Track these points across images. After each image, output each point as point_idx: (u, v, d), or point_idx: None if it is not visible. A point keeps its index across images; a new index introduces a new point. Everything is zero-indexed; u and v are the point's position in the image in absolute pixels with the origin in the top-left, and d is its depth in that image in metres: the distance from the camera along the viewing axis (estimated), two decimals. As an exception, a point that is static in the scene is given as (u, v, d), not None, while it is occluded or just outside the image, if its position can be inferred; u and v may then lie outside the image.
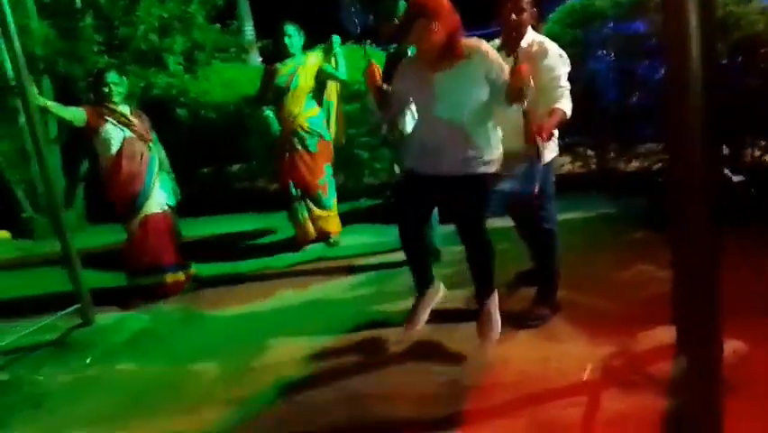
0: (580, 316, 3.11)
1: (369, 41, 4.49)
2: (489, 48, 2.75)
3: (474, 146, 2.74)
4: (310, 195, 4.94)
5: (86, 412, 2.90)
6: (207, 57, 7.47)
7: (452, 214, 2.94)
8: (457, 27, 2.68)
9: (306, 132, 4.83)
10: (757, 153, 4.88)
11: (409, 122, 3.69)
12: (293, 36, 4.86)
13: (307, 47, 5.03)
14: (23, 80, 3.58)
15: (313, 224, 5.00)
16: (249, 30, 10.71)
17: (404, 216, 2.96)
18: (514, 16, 2.94)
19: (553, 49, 2.99)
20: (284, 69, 4.85)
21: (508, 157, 2.88)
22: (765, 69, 4.56)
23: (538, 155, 2.79)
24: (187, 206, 4.80)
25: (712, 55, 1.79)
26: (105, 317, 3.93)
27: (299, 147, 4.85)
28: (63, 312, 3.88)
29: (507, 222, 3.37)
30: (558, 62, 2.96)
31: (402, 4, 4.09)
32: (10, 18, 3.49)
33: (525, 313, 3.16)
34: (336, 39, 4.82)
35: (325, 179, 4.97)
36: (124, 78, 4.38)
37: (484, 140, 2.77)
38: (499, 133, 2.85)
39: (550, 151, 3.06)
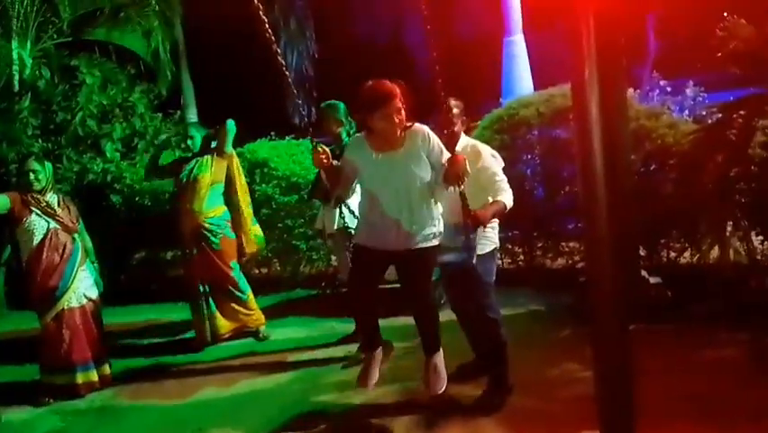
0: (509, 416, 3.13)
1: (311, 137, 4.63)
2: (429, 130, 2.97)
3: (418, 223, 2.93)
4: (222, 290, 4.88)
5: None
6: (147, 144, 7.47)
7: (400, 281, 3.14)
8: (407, 111, 2.91)
9: (208, 230, 4.82)
10: (673, 255, 5.20)
11: (355, 197, 3.83)
12: (195, 137, 4.96)
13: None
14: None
15: (233, 319, 4.92)
16: (192, 118, 10.83)
17: (355, 283, 3.11)
18: (445, 131, 3.18)
19: (486, 150, 3.36)
20: (186, 165, 4.89)
21: (448, 229, 3.11)
22: (676, 178, 4.95)
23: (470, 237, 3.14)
24: (117, 293, 4.60)
25: (619, 163, 1.97)
26: (15, 415, 3.67)
27: (203, 243, 4.80)
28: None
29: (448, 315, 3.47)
30: (491, 161, 3.32)
31: (341, 106, 4.30)
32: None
33: (482, 401, 3.28)
34: (230, 123, 4.84)
35: (233, 276, 4.91)
36: (48, 165, 4.22)
37: (427, 217, 2.97)
38: (440, 209, 3.06)
39: (490, 242, 3.33)
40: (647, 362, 3.20)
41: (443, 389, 3.08)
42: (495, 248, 3.41)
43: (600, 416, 2.09)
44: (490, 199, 3.26)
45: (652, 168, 5.17)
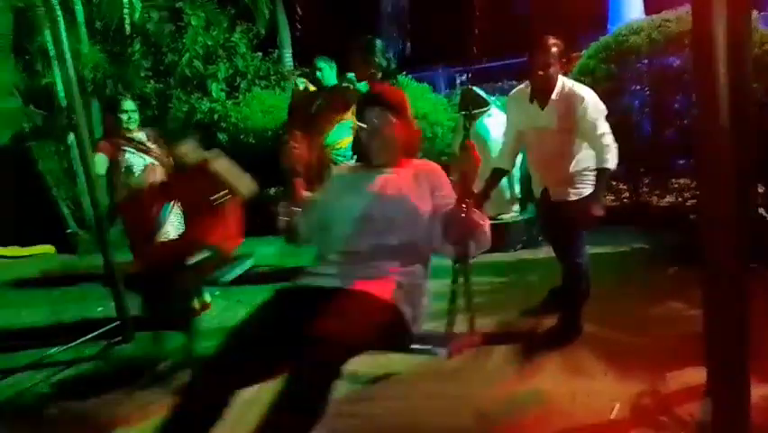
0: (609, 351, 3.10)
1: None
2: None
3: None
4: None
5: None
6: (249, 84, 7.71)
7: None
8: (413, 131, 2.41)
9: (333, 161, 4.91)
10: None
11: None
12: (324, 70, 4.96)
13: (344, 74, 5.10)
14: (75, 102, 3.76)
15: None
16: (288, 58, 10.99)
17: None
18: (541, 72, 3.03)
19: (587, 97, 3.06)
20: (316, 100, 4.93)
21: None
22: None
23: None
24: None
25: (745, 94, 1.84)
26: (146, 334, 4.05)
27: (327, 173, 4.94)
28: (104, 328, 4.03)
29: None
30: (592, 111, 3.03)
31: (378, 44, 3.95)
32: (65, 44, 3.69)
33: (549, 333, 3.33)
34: (351, 76, 4.81)
35: None
36: (136, 104, 4.33)
37: None
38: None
39: (588, 186, 3.18)
40: (760, 303, 3.06)
41: None
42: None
43: (709, 354, 2.05)
44: (583, 147, 3.14)
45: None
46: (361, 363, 3.22)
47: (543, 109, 3.13)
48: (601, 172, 3.05)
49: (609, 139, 3.03)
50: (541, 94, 3.12)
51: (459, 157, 2.09)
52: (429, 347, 2.09)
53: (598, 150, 3.05)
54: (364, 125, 2.28)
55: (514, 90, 3.41)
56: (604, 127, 3.03)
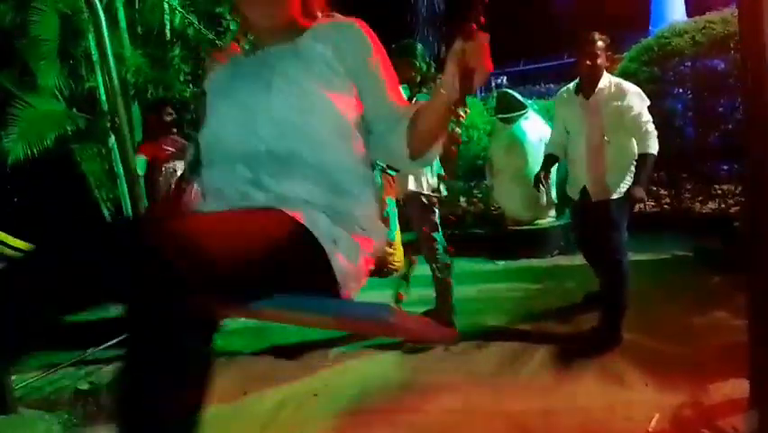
0: (649, 361, 3.03)
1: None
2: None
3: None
4: None
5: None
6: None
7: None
8: None
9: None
10: None
11: None
12: None
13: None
14: (117, 105, 3.85)
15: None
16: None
17: None
18: (588, 62, 3.12)
19: (631, 88, 3.17)
20: None
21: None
22: None
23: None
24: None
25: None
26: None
27: None
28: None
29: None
30: (636, 100, 3.14)
31: (419, 48, 3.68)
32: (109, 48, 3.78)
33: (587, 337, 3.29)
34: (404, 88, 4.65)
35: (387, 212, 5.00)
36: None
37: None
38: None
39: (626, 183, 3.21)
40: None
41: None
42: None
43: (753, 365, 1.98)
44: (624, 145, 3.17)
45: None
46: (393, 370, 3.27)
47: (588, 99, 3.22)
48: (644, 158, 3.11)
49: (652, 126, 3.10)
50: (587, 85, 3.22)
51: (464, 46, 1.20)
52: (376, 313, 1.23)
53: (640, 137, 3.11)
54: None
55: (562, 89, 3.53)
56: (647, 116, 3.13)
